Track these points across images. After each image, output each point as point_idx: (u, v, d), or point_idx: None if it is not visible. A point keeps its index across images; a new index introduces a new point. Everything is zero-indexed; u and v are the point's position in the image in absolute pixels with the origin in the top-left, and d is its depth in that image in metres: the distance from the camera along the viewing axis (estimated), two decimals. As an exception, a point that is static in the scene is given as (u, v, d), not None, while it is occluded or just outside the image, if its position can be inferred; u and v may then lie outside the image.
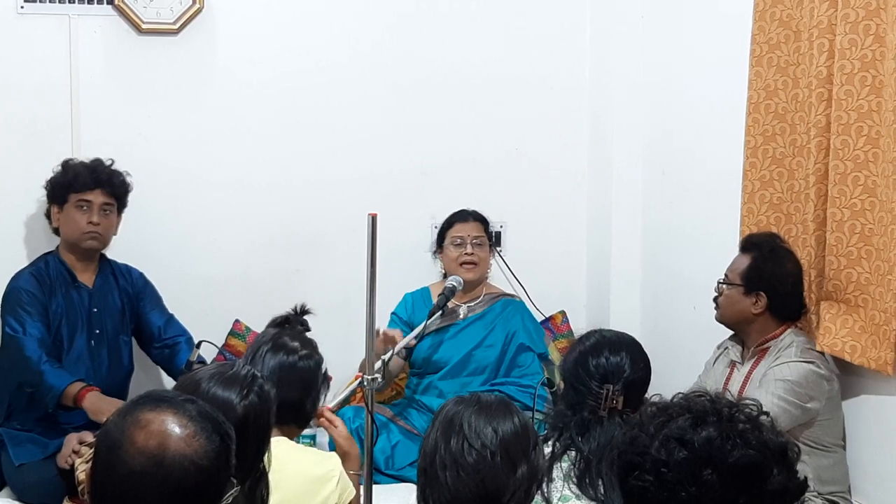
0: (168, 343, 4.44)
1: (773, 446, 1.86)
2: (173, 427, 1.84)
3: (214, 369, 2.50)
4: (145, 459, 1.81)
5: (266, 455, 2.41)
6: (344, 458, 3.22)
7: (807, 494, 3.63)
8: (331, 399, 3.69)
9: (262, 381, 2.49)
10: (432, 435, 2.40)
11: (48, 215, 4.37)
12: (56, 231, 4.36)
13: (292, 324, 3.22)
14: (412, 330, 4.39)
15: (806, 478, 1.91)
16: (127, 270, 4.48)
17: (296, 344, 3.06)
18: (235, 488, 1.91)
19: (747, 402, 1.95)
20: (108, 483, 1.84)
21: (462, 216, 4.70)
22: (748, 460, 1.82)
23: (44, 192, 4.36)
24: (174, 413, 1.86)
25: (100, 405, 4.01)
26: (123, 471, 1.82)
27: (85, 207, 4.26)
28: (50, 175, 4.33)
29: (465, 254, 4.61)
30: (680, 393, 1.98)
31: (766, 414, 1.93)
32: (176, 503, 1.82)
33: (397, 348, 4.29)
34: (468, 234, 4.64)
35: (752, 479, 1.82)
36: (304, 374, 3.03)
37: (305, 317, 3.33)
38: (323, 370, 3.12)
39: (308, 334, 3.28)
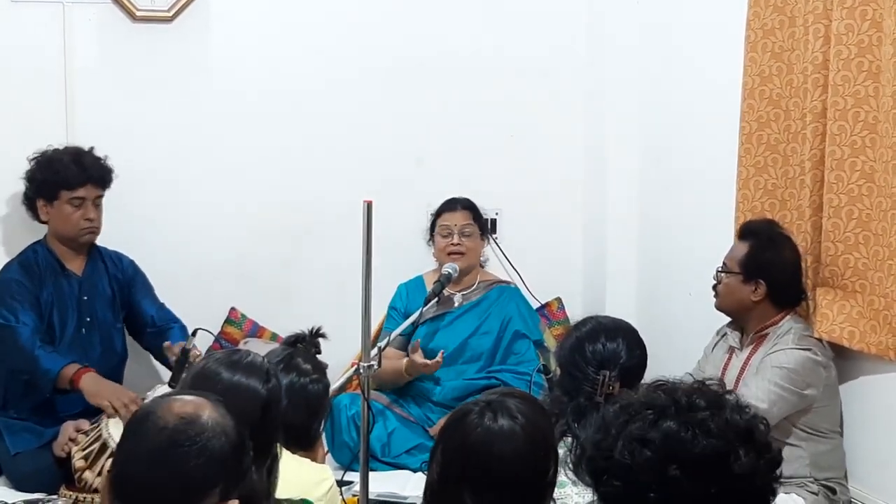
0: (160, 329, 4.43)
1: (737, 427, 1.82)
2: (209, 402, 1.91)
3: (228, 357, 2.51)
4: (179, 420, 1.85)
5: (276, 441, 2.42)
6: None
7: (803, 480, 3.65)
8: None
9: (275, 370, 2.53)
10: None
11: (31, 206, 4.33)
12: (38, 219, 4.34)
13: (306, 344, 3.19)
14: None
15: (780, 450, 1.89)
16: (117, 257, 4.47)
17: (307, 366, 3.03)
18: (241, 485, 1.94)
19: (711, 381, 1.93)
20: (136, 448, 1.87)
21: (451, 205, 4.68)
22: (711, 450, 1.79)
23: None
24: (206, 397, 1.94)
25: (97, 387, 4.00)
26: (155, 429, 1.85)
27: (78, 204, 4.25)
28: (28, 167, 4.29)
29: (452, 244, 4.60)
30: (644, 384, 1.97)
31: (730, 392, 1.91)
32: (199, 471, 1.83)
33: (394, 335, 4.30)
34: (456, 223, 4.63)
35: (718, 468, 1.79)
36: (312, 398, 3.01)
37: (319, 339, 3.28)
38: (329, 395, 3.12)
39: (298, 330, 3.25)
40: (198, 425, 1.85)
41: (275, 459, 2.39)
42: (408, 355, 4.67)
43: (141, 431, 1.87)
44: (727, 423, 1.83)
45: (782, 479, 3.61)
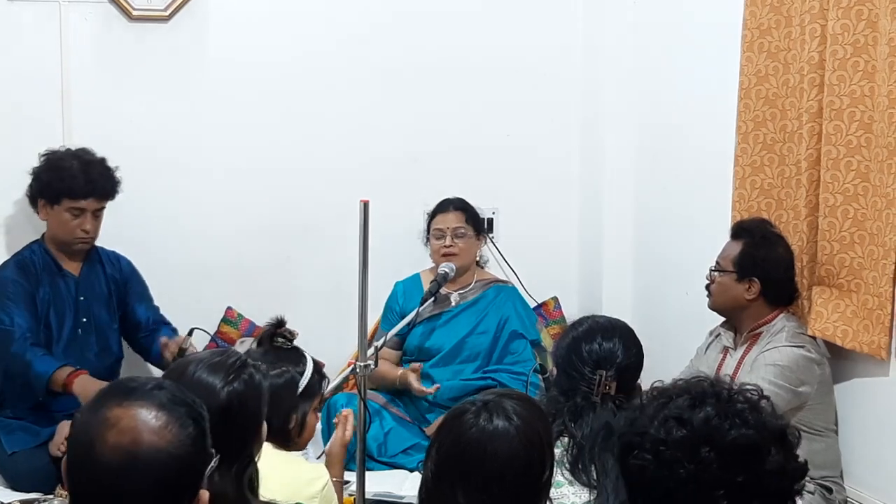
0: (151, 332, 4.42)
1: (772, 427, 1.87)
2: (144, 421, 1.81)
3: (204, 355, 2.48)
4: (120, 457, 1.78)
5: (256, 444, 2.40)
6: (331, 459, 3.22)
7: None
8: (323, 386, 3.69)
9: (253, 370, 2.46)
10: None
11: (33, 202, 4.33)
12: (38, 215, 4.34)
13: (275, 337, 3.15)
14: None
15: (806, 461, 1.92)
16: (115, 258, 4.47)
17: (262, 365, 2.98)
18: (215, 459, 1.89)
19: (748, 386, 1.96)
20: (85, 481, 1.82)
21: (443, 206, 4.69)
22: (746, 440, 1.83)
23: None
24: (142, 405, 1.83)
25: (89, 390, 3.99)
26: (100, 469, 1.79)
27: (77, 213, 4.24)
28: (37, 163, 4.29)
29: (444, 246, 4.61)
30: (681, 379, 1.99)
31: (767, 398, 1.94)
32: (158, 494, 1.80)
33: (390, 335, 4.29)
34: (448, 225, 4.64)
35: (749, 459, 1.83)
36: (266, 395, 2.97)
37: (283, 329, 3.16)
38: (292, 382, 3.05)
39: (294, 329, 3.21)
40: (140, 461, 1.78)
41: (249, 462, 2.37)
42: (404, 354, 4.68)
43: (84, 466, 1.82)
44: (764, 422, 1.87)
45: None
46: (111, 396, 1.86)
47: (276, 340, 3.10)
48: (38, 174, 4.29)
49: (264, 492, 2.42)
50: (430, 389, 4.44)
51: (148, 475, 1.79)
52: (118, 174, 4.32)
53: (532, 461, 2.30)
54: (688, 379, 1.98)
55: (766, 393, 3.46)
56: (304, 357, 3.08)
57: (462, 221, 4.65)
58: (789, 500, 1.88)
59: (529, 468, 2.30)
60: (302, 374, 3.02)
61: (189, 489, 1.84)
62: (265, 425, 2.47)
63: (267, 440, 2.78)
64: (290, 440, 2.97)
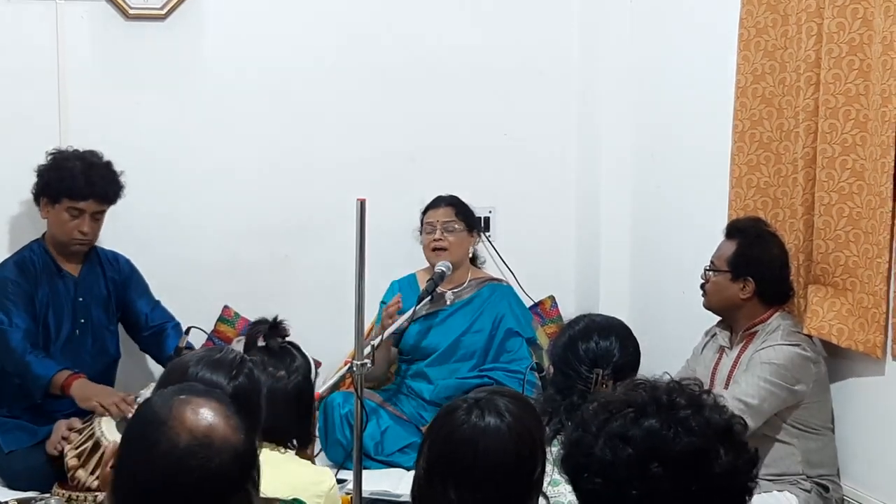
0: (155, 330, 4.43)
1: (717, 426, 1.84)
2: (221, 415, 1.87)
3: (202, 353, 2.50)
4: (193, 439, 1.81)
5: (257, 439, 2.41)
6: None
7: (796, 478, 3.66)
8: (320, 385, 3.70)
9: (251, 364, 2.49)
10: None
11: (36, 200, 4.33)
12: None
13: (269, 334, 3.14)
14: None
15: (756, 449, 1.90)
16: (114, 258, 4.47)
17: (282, 372, 2.99)
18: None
19: (687, 381, 1.94)
20: (144, 459, 1.83)
21: (434, 203, 4.71)
22: (692, 447, 1.80)
23: (32, 179, 4.32)
24: (219, 402, 1.90)
25: (87, 392, 4.00)
26: (166, 447, 1.81)
27: (76, 214, 4.23)
28: (40, 161, 4.28)
29: (434, 239, 4.62)
30: (619, 384, 1.98)
31: (708, 392, 1.92)
32: (209, 486, 1.82)
33: (387, 333, 4.30)
34: (438, 219, 4.65)
35: (699, 466, 1.80)
36: (291, 396, 2.97)
37: (280, 327, 3.15)
38: (313, 376, 3.08)
39: (292, 328, 3.20)
40: (211, 449, 1.82)
41: (254, 457, 2.38)
42: (399, 352, 4.69)
43: (150, 440, 1.83)
44: (707, 422, 1.84)
45: (775, 477, 3.63)
46: (187, 389, 1.93)
47: (273, 341, 3.09)
48: (41, 172, 4.29)
49: (265, 488, 2.43)
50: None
51: (213, 463, 1.82)
52: (122, 178, 4.31)
53: (523, 458, 2.31)
54: (626, 386, 1.96)
55: (761, 391, 3.51)
56: (303, 352, 3.09)
57: (452, 216, 4.65)
58: (746, 494, 1.87)
59: (521, 465, 2.30)
60: (305, 370, 3.03)
61: (227, 496, 1.86)
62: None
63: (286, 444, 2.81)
64: (309, 442, 2.98)
